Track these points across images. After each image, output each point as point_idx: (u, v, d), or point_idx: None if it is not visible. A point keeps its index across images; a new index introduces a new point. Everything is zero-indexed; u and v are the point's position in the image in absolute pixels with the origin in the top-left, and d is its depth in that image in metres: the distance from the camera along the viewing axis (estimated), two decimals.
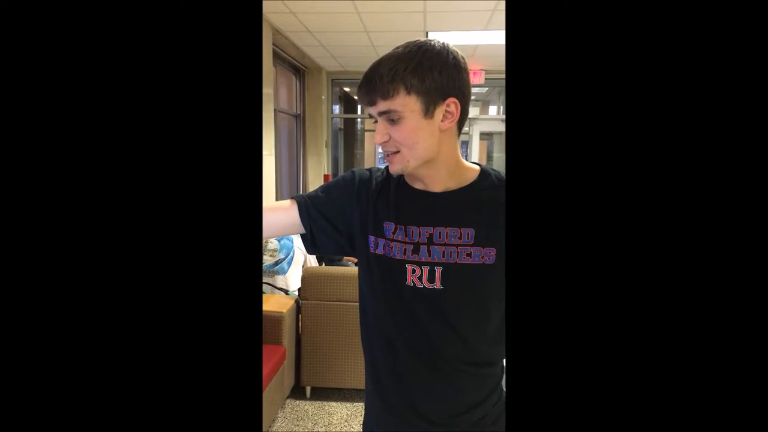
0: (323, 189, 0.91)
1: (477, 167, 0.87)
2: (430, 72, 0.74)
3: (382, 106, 0.75)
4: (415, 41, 0.77)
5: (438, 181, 0.83)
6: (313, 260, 3.16)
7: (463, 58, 0.78)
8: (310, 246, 0.90)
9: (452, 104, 0.77)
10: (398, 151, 0.78)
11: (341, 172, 1.06)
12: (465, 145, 5.53)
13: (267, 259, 2.93)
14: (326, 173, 5.58)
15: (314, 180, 5.36)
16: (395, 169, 0.80)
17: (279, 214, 0.89)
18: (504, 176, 0.85)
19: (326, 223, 0.88)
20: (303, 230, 0.88)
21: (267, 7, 3.10)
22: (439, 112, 0.76)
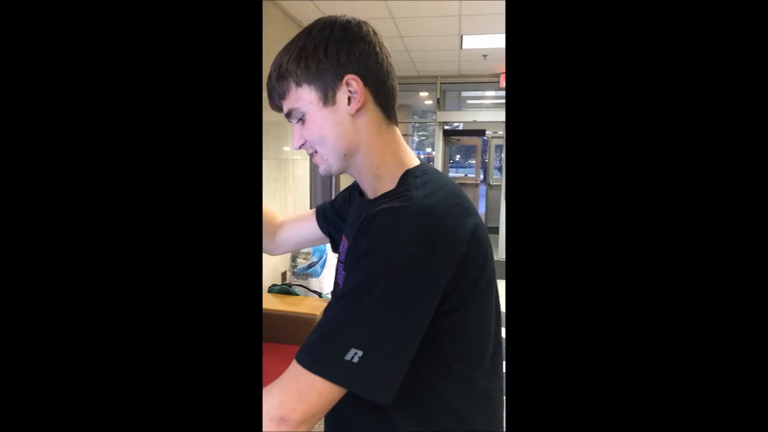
0: (343, 190, 0.91)
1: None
2: (314, 55, 0.62)
3: (285, 107, 0.66)
4: (314, 22, 0.65)
5: (366, 183, 0.70)
6: None
7: (358, 25, 0.64)
8: (334, 246, 0.90)
9: (352, 82, 0.63)
10: (316, 151, 0.67)
11: None
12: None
13: (300, 262, 2.97)
14: None
15: (347, 183, 5.40)
16: (321, 171, 0.69)
17: (302, 225, 0.90)
18: (411, 193, 0.61)
19: (342, 223, 0.86)
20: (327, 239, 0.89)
21: (301, 15, 3.15)
22: (342, 96, 0.63)
